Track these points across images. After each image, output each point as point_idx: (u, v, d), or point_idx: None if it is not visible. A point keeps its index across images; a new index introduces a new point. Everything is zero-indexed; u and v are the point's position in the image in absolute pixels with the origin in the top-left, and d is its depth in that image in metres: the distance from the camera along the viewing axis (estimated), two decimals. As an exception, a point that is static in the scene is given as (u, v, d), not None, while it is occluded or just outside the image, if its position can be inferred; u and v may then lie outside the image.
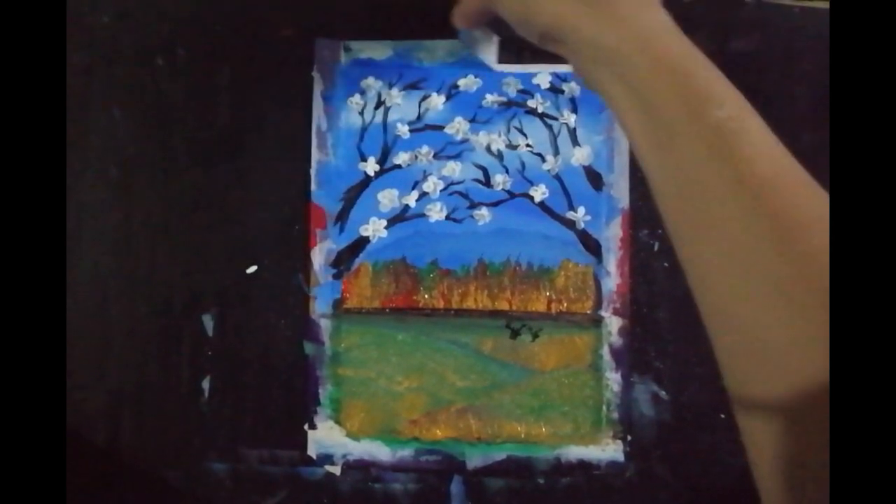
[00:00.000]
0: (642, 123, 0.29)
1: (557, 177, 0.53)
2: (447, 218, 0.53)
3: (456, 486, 0.51)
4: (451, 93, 0.53)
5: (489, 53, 0.47)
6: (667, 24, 0.30)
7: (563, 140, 0.53)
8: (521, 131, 0.53)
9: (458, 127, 0.53)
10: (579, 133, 0.53)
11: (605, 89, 0.31)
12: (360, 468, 0.52)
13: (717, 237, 0.27)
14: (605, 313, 0.52)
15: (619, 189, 0.52)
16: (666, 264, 0.52)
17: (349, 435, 0.52)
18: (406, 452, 0.51)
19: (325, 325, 0.52)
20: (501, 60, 0.48)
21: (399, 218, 0.53)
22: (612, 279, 0.52)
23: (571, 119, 0.53)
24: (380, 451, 0.52)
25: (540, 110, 0.53)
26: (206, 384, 0.52)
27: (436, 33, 0.53)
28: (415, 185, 0.53)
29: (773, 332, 0.25)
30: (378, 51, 0.54)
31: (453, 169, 0.53)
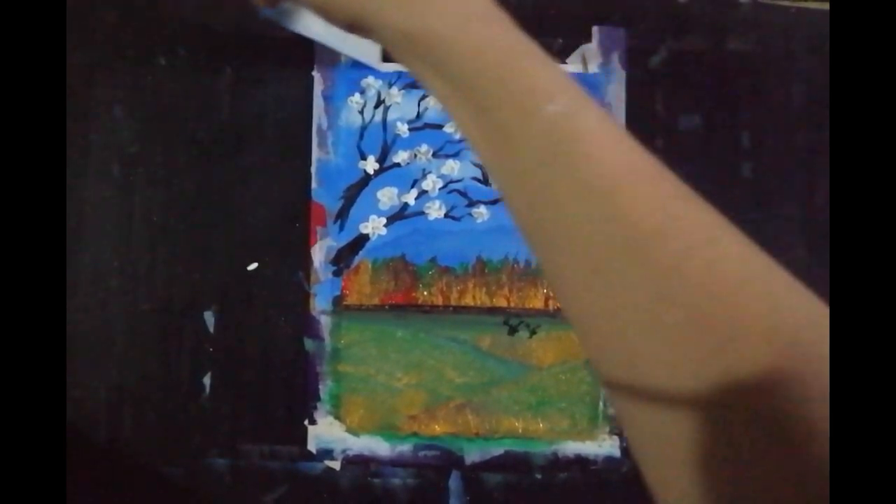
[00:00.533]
0: (472, 123, 0.26)
1: (555, 175, 0.53)
2: (446, 216, 0.53)
3: (454, 481, 0.52)
4: (450, 92, 0.54)
5: (371, 53, 0.44)
6: (486, 9, 0.26)
7: (561, 139, 0.53)
8: (519, 130, 0.54)
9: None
10: (577, 132, 0.53)
11: (428, 84, 0.27)
12: (360, 463, 0.52)
13: (570, 247, 0.24)
14: (602, 310, 0.52)
15: (617, 187, 0.53)
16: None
17: (349, 430, 0.52)
18: (405, 448, 0.52)
19: (325, 321, 0.53)
20: (386, 59, 0.45)
21: (398, 216, 0.53)
22: (609, 277, 0.52)
23: (569, 118, 0.53)
24: (379, 447, 0.52)
25: (538, 109, 0.54)
26: (206, 380, 0.53)
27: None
28: (414, 184, 0.54)
29: (638, 345, 0.22)
30: (378, 50, 0.54)
31: (452, 167, 0.53)
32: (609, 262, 0.23)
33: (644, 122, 0.53)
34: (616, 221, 0.23)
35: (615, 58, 0.54)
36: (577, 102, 0.24)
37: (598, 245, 0.23)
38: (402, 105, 0.54)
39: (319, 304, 0.53)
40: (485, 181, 0.53)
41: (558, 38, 0.54)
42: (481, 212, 0.53)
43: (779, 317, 0.21)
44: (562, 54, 0.54)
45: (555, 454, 0.52)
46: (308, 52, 0.54)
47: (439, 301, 0.53)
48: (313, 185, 0.53)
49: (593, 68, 0.54)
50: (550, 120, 0.24)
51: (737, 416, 0.21)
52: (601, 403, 0.52)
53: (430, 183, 0.53)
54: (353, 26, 0.28)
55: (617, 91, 0.53)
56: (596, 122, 0.24)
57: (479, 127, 0.26)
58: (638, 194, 0.23)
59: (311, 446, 0.52)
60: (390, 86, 0.54)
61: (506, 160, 0.25)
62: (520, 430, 0.52)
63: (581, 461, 0.52)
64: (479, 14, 0.26)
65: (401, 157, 0.54)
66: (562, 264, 0.24)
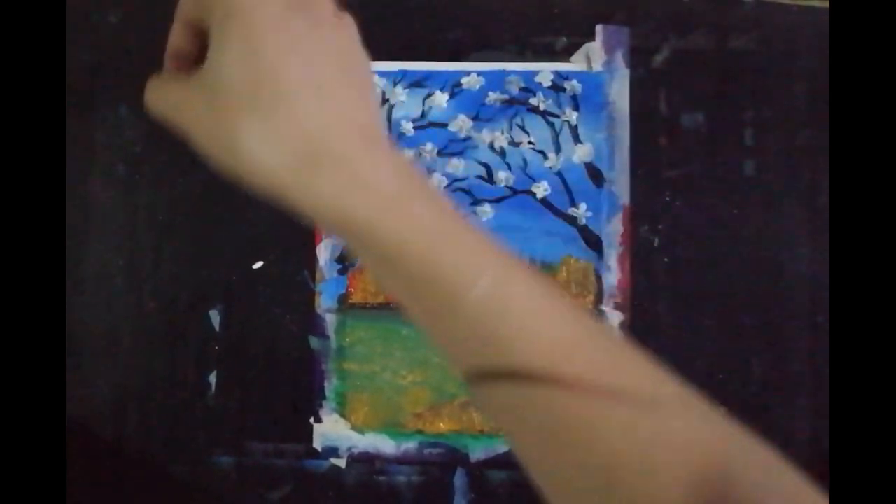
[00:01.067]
0: (403, 300, 0.25)
1: (559, 173, 0.53)
2: (450, 214, 0.53)
3: (459, 479, 0.52)
4: (455, 91, 0.54)
5: None
6: (408, 184, 0.25)
7: (565, 137, 0.54)
8: (523, 129, 0.54)
9: (461, 124, 0.54)
10: (581, 130, 0.54)
11: (357, 255, 0.27)
12: (365, 461, 0.52)
13: (514, 424, 0.25)
14: (606, 308, 0.52)
15: (620, 185, 0.53)
16: (666, 260, 0.52)
17: (354, 428, 0.52)
18: (410, 445, 0.52)
19: (331, 319, 0.53)
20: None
21: (403, 214, 0.53)
22: (613, 274, 0.53)
23: (573, 116, 0.54)
24: (384, 444, 0.52)
25: (542, 108, 0.54)
26: (212, 379, 0.53)
27: (440, 32, 0.54)
28: (418, 182, 0.54)
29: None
30: (382, 49, 0.54)
31: (456, 166, 0.54)
32: (556, 438, 0.23)
33: (647, 121, 0.54)
34: (556, 404, 0.23)
35: (619, 56, 0.54)
36: (503, 277, 0.24)
37: (543, 425, 0.23)
38: (406, 103, 0.54)
39: (325, 303, 0.53)
40: (490, 180, 0.54)
41: (562, 37, 0.54)
42: (486, 210, 0.53)
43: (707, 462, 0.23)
44: (566, 53, 0.54)
45: (559, 451, 0.52)
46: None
47: (444, 299, 0.53)
48: (318, 183, 0.53)
49: (597, 67, 0.54)
50: (476, 305, 0.23)
51: None
52: (605, 401, 0.52)
53: (435, 181, 0.53)
54: (273, 199, 0.27)
55: (620, 89, 0.54)
56: (524, 294, 0.24)
57: (409, 306, 0.25)
58: (573, 372, 0.23)
59: (317, 444, 0.52)
60: (395, 84, 0.54)
61: (440, 338, 0.25)
62: (525, 428, 0.52)
63: (585, 458, 0.52)
64: (400, 192, 0.24)
65: (405, 155, 0.54)
66: (509, 430, 0.25)
